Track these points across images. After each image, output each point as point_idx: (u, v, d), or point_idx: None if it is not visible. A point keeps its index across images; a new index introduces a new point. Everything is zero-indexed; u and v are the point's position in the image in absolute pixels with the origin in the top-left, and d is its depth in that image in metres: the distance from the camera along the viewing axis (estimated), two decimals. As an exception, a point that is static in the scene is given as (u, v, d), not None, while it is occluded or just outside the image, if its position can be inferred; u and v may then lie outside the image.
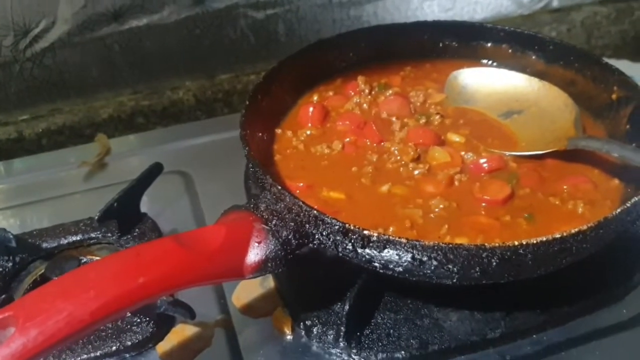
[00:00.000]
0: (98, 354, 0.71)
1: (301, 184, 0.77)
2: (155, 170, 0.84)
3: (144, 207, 0.86)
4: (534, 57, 0.92)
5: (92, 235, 0.83)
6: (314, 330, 0.72)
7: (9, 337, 0.52)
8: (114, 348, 0.71)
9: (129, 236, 0.83)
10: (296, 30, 1.19)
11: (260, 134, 0.84)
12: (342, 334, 0.70)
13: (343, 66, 0.95)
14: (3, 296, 0.72)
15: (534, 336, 0.73)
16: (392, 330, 0.72)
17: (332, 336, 0.71)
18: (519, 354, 0.71)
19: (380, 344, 0.71)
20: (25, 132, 1.12)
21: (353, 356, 0.70)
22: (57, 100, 1.14)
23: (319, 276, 0.76)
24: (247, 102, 0.80)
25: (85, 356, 0.70)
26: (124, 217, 0.83)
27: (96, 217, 0.81)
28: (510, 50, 0.94)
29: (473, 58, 0.96)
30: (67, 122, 1.13)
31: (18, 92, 1.10)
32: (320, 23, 1.20)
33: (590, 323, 0.74)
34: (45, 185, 0.99)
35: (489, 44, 0.95)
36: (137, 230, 0.84)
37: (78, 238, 0.83)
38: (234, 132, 1.00)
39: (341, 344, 0.70)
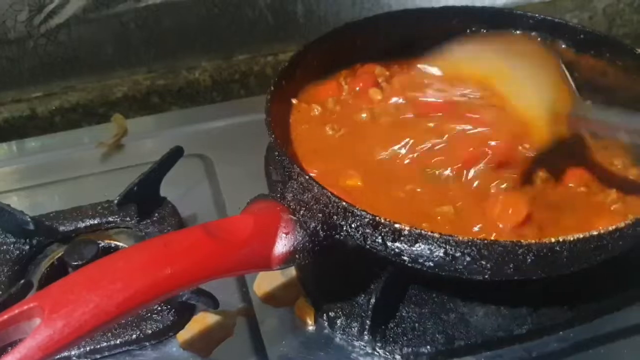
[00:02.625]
0: (118, 342, 0.69)
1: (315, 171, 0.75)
2: (176, 154, 0.83)
3: (162, 190, 0.85)
4: (563, 46, 0.90)
5: (111, 219, 0.81)
6: (338, 322, 0.71)
7: (34, 328, 0.51)
8: (134, 336, 0.70)
9: (149, 221, 0.81)
10: (315, 11, 1.16)
11: (280, 114, 0.81)
12: (367, 327, 0.68)
13: (369, 52, 0.92)
14: (22, 281, 0.70)
15: (561, 333, 0.71)
16: (417, 325, 0.71)
17: (356, 329, 0.70)
18: (546, 351, 0.70)
19: (405, 338, 0.70)
20: (38, 110, 1.10)
21: (378, 350, 0.69)
22: (70, 77, 1.11)
23: (341, 267, 0.75)
24: (272, 88, 0.78)
25: (105, 344, 0.69)
26: (144, 201, 0.81)
27: (116, 201, 0.79)
28: (539, 39, 0.91)
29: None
30: (80, 100, 1.11)
31: (31, 68, 1.08)
32: (340, 4, 1.17)
33: (619, 320, 0.73)
34: (60, 166, 0.97)
35: (518, 31, 0.92)
36: (156, 214, 0.82)
37: (96, 221, 0.81)
38: (252, 115, 1.00)
39: (366, 337, 0.69)
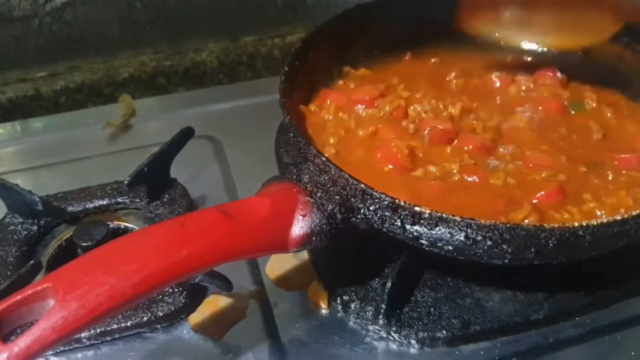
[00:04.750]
0: (129, 324, 0.68)
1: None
2: (186, 135, 0.81)
3: (172, 172, 0.83)
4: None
5: (120, 199, 0.80)
6: (352, 305, 0.70)
7: (48, 309, 0.50)
8: (145, 319, 0.69)
9: (158, 202, 0.80)
10: (324, -7, 1.15)
11: (295, 97, 0.80)
12: (382, 311, 0.67)
13: (382, 34, 0.90)
14: (31, 262, 0.69)
15: (577, 319, 0.71)
16: (432, 309, 0.70)
17: (371, 313, 0.69)
18: (562, 337, 0.69)
19: (420, 322, 0.68)
20: (42, 90, 1.08)
21: (393, 334, 0.68)
22: (76, 57, 1.10)
23: (356, 250, 0.74)
24: (286, 69, 0.76)
25: (115, 326, 0.68)
26: (154, 182, 0.80)
27: (126, 182, 0.78)
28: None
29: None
30: (86, 80, 1.10)
31: (36, 47, 1.07)
32: (349, -15, 1.16)
33: (637, 306, 0.72)
34: (65, 147, 0.95)
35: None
36: (166, 196, 0.81)
37: (105, 202, 0.80)
38: (260, 97, 0.99)
39: (380, 321, 0.68)
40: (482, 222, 0.58)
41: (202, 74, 1.14)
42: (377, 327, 0.69)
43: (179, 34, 1.13)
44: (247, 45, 1.16)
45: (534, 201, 0.68)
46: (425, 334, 0.68)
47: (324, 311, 0.71)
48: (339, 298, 0.71)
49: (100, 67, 1.11)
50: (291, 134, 0.69)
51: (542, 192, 0.69)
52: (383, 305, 0.67)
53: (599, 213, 0.68)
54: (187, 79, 1.14)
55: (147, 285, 0.53)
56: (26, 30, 1.04)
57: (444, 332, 0.68)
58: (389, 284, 0.67)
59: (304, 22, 1.16)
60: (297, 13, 1.16)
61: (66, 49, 1.08)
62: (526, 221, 0.65)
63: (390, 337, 0.69)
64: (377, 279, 0.71)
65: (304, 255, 0.76)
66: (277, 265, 0.75)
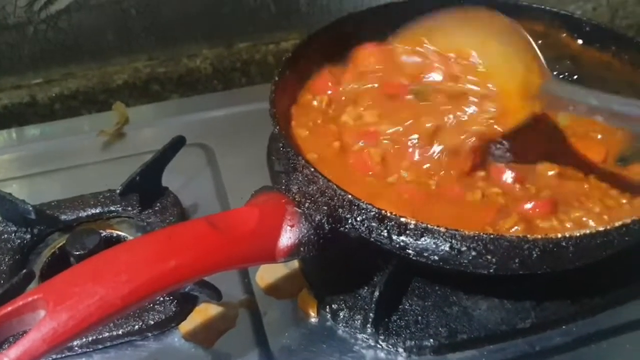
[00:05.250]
0: (120, 332, 0.69)
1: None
2: (178, 143, 0.82)
3: (164, 180, 0.84)
4: (569, 39, 0.89)
5: (112, 208, 0.81)
6: (341, 314, 0.71)
7: (39, 320, 0.51)
8: (136, 327, 0.69)
9: (150, 211, 0.81)
10: (318, 0, 1.16)
11: (284, 105, 0.81)
12: (370, 319, 0.68)
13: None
14: (24, 271, 0.70)
15: (564, 327, 0.71)
16: (420, 318, 0.70)
17: (359, 321, 0.70)
18: (549, 345, 0.70)
19: (408, 331, 0.69)
20: (38, 96, 1.09)
21: (380, 342, 0.69)
22: (71, 64, 1.11)
23: (345, 259, 0.74)
24: (277, 78, 0.77)
25: (107, 334, 0.69)
26: (146, 191, 0.81)
27: (118, 191, 0.79)
28: (544, 31, 0.90)
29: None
30: (80, 87, 1.10)
31: (31, 54, 1.07)
32: (343, -7, 1.16)
33: (622, 315, 0.73)
34: (60, 154, 0.96)
35: (523, 24, 0.91)
36: (158, 204, 0.81)
37: (97, 211, 0.81)
38: (254, 104, 1.00)
39: (368, 330, 0.69)
40: (466, 233, 0.58)
41: (196, 80, 1.15)
42: (365, 336, 0.70)
43: (173, 40, 1.13)
44: (242, 51, 1.17)
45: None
46: (413, 342, 0.69)
47: (313, 320, 0.72)
48: (328, 306, 0.72)
49: (95, 73, 1.11)
50: (280, 144, 0.70)
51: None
52: (371, 314, 0.68)
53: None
54: (181, 86, 1.14)
55: (136, 295, 0.54)
56: (21, 37, 1.05)
57: (432, 340, 0.69)
58: (377, 293, 0.68)
59: (298, 28, 1.17)
60: (291, 20, 1.16)
61: (61, 55, 1.09)
62: (514, 229, 0.66)
63: (378, 346, 0.69)
64: (366, 288, 0.72)
65: (294, 263, 0.76)
66: (267, 273, 0.75)
